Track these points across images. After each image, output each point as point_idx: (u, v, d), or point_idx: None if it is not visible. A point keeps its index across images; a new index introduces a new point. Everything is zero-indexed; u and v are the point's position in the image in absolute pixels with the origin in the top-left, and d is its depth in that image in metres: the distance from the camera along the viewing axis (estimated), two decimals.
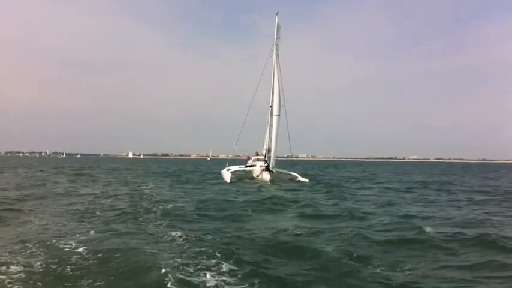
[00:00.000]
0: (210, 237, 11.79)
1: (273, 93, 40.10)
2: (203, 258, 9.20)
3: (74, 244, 10.49)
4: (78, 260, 9.18)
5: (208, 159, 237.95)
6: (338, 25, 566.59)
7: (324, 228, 13.62)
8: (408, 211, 18.06)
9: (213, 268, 8.54)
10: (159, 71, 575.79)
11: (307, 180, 39.23)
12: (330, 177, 51.10)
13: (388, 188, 32.86)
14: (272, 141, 39.53)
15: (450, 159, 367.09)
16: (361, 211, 17.54)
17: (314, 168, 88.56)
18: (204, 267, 8.61)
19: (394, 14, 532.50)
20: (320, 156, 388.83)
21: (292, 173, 41.35)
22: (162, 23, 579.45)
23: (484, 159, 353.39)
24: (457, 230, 13.24)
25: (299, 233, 12.72)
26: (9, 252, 9.74)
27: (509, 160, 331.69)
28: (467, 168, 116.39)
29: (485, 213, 18.06)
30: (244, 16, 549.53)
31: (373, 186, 35.98)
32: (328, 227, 14.09)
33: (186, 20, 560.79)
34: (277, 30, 41.13)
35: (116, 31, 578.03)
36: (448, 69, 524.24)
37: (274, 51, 40.71)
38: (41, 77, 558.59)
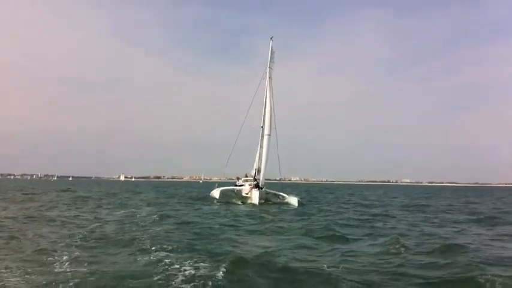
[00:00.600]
0: None
1: (264, 114, 40.87)
2: None
3: None
4: None
5: (201, 182, 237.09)
6: (335, 47, 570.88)
7: None
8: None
9: None
10: (152, 92, 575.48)
11: (296, 203, 36.91)
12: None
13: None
14: (262, 162, 39.90)
15: (442, 182, 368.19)
16: None
17: (307, 191, 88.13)
18: None
19: (391, 35, 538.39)
20: (313, 179, 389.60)
21: (280, 193, 40.97)
22: (157, 45, 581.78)
23: (477, 183, 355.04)
24: None
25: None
26: None
27: (501, 183, 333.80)
28: (455, 192, 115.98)
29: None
30: (241, 38, 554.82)
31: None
32: None
33: (181, 42, 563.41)
34: (271, 54, 42.27)
35: (110, 52, 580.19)
36: (443, 90, 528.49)
37: (268, 73, 41.77)
38: (33, 97, 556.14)
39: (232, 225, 20.63)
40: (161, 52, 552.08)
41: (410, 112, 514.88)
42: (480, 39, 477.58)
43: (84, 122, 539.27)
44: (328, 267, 11.08)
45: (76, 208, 29.89)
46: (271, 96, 41.01)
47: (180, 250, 12.96)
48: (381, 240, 16.30)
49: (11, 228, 17.54)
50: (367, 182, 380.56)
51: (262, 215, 27.09)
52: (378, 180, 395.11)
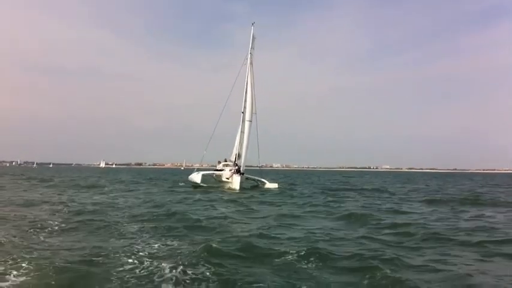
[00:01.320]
0: None
1: (245, 100, 41.05)
2: None
3: None
4: None
5: (182, 168, 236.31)
6: (316, 35, 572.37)
7: None
8: None
9: None
10: (133, 79, 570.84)
11: (276, 186, 39.68)
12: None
13: None
14: (243, 148, 40.18)
15: (422, 169, 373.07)
16: None
17: (287, 177, 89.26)
18: None
19: (372, 24, 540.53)
20: (294, 166, 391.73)
21: (260, 179, 41.82)
22: (138, 32, 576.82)
23: (456, 169, 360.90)
24: None
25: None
26: None
27: (479, 170, 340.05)
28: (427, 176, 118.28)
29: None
30: (221, 26, 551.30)
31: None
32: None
33: (162, 30, 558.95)
34: (252, 40, 42.39)
35: (90, 40, 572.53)
36: (425, 79, 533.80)
37: (249, 59, 41.85)
38: (12, 85, 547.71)
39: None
40: (141, 39, 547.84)
41: (391, 101, 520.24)
42: (460, 29, 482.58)
43: (65, 110, 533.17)
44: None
45: None
46: (252, 82, 41.20)
47: None
48: None
49: None
50: (347, 168, 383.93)
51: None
52: (358, 166, 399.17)
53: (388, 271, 8.44)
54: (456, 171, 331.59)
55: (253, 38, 42.37)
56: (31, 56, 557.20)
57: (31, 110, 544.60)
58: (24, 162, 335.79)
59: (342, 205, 23.43)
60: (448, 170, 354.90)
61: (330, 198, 28.21)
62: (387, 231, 14.27)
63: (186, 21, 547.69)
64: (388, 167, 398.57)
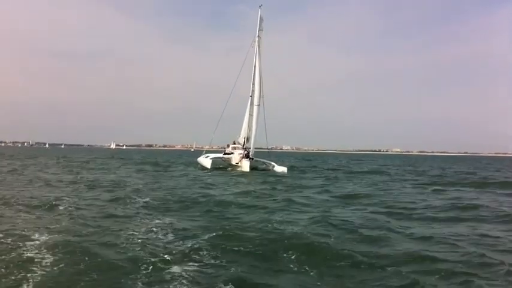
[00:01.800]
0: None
1: (253, 84, 41.02)
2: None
3: None
4: None
5: (192, 150, 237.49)
6: (326, 18, 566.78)
7: None
8: None
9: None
10: (144, 61, 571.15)
11: (285, 169, 38.93)
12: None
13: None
14: (252, 131, 40.37)
15: (433, 152, 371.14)
16: None
17: (297, 159, 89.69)
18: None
19: (382, 7, 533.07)
20: (305, 148, 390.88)
21: (268, 162, 41.88)
22: (148, 14, 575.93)
23: (466, 152, 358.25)
24: None
25: None
26: None
27: (490, 153, 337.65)
28: (437, 160, 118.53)
29: None
30: (231, 7, 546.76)
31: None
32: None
33: (172, 11, 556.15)
34: (260, 23, 42.07)
35: (100, 22, 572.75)
36: (436, 63, 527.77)
37: (256, 42, 41.60)
38: (23, 67, 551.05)
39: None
40: (150, 21, 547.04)
41: (403, 85, 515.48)
42: (470, 13, 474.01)
43: (76, 92, 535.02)
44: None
45: None
46: (260, 66, 41.04)
47: None
48: None
49: None
50: (357, 151, 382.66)
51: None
52: (368, 149, 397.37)
53: None
54: (467, 155, 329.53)
55: (261, 20, 42.08)
56: (42, 39, 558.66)
57: (42, 92, 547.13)
58: (36, 143, 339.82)
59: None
60: (459, 153, 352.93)
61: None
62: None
63: (197, 2, 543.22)
64: (398, 150, 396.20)
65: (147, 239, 10.01)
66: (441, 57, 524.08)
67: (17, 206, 14.29)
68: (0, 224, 11.35)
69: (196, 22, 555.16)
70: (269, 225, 11.97)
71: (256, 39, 41.66)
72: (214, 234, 10.50)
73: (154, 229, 11.08)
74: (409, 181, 31.41)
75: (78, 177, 27.51)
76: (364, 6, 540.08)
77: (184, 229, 11.21)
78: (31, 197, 16.59)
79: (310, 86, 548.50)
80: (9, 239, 9.54)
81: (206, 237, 10.18)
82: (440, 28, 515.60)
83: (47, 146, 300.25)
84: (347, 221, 12.95)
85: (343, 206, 16.79)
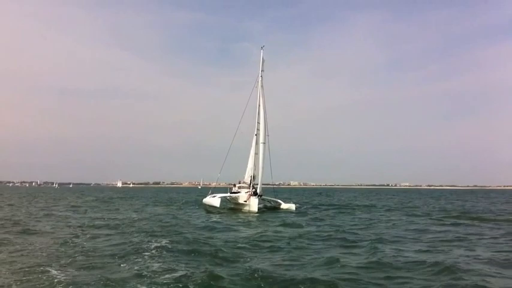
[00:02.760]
0: None
1: (258, 122, 41.60)
2: None
3: None
4: None
5: (199, 187, 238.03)
6: (329, 53, 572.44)
7: None
8: None
9: None
10: (150, 98, 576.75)
11: (293, 206, 39.70)
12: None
13: None
14: (259, 169, 40.50)
15: (441, 185, 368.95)
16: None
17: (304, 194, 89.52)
18: None
19: (385, 40, 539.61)
20: (312, 183, 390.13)
21: (276, 200, 42.26)
22: (154, 52, 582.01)
23: (476, 186, 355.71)
24: None
25: None
26: None
27: (500, 186, 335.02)
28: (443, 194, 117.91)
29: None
30: (236, 45, 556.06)
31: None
32: None
33: (178, 48, 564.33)
34: (262, 63, 43.09)
35: (108, 60, 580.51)
36: (441, 95, 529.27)
37: (259, 82, 42.47)
38: (29, 105, 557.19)
39: None
40: (155, 58, 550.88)
41: (407, 117, 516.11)
42: (477, 44, 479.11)
43: (83, 130, 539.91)
44: None
45: None
46: (264, 105, 41.75)
47: None
48: None
49: None
50: (366, 186, 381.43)
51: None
52: (377, 184, 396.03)
53: None
54: (475, 188, 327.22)
55: (263, 60, 43.07)
56: (44, 76, 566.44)
57: (47, 130, 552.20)
58: (44, 183, 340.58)
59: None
60: (467, 186, 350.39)
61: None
62: None
63: (201, 40, 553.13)
64: (407, 184, 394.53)
65: None
66: (447, 88, 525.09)
67: None
68: None
69: (200, 58, 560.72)
70: None
71: (259, 79, 42.53)
72: None
73: None
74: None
75: None
76: (367, 40, 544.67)
77: None
78: None
79: (315, 120, 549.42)
80: None
81: None
82: (446, 59, 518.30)
83: (55, 185, 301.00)
84: None
85: None
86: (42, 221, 26.79)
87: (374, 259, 13.56)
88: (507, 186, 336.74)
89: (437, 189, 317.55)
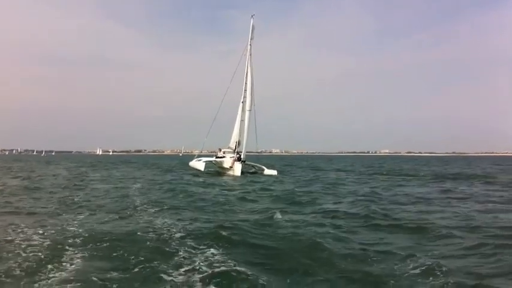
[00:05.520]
0: None
1: (245, 90, 42.60)
2: None
3: None
4: None
5: (181, 155, 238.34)
6: (320, 20, 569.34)
7: None
8: None
9: None
10: (134, 68, 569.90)
11: (275, 172, 41.22)
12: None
13: None
14: (244, 136, 41.75)
15: (420, 152, 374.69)
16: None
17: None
18: None
19: (376, 7, 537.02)
20: (294, 151, 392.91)
21: (259, 165, 43.57)
22: (139, 20, 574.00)
23: (454, 152, 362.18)
24: None
25: None
26: None
27: (477, 153, 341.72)
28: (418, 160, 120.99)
29: None
30: (223, 12, 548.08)
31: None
32: None
33: (163, 17, 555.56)
34: (252, 31, 43.55)
35: (93, 29, 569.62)
36: (426, 63, 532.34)
37: (248, 51, 43.14)
38: (14, 74, 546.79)
39: None
40: (140, 26, 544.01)
41: (392, 86, 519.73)
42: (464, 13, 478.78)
43: (66, 99, 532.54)
44: None
45: None
46: (252, 73, 42.57)
47: None
48: None
49: None
50: (346, 153, 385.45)
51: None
52: (357, 151, 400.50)
53: None
54: (453, 155, 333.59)
55: (253, 29, 43.50)
56: (35, 46, 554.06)
57: (30, 98, 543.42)
58: (25, 150, 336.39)
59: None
60: (446, 153, 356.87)
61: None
62: None
63: (187, 8, 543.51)
64: (387, 151, 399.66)
65: None
66: (435, 56, 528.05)
67: None
68: None
69: (185, 27, 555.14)
70: None
71: (248, 47, 43.11)
72: None
73: None
74: None
75: None
76: (358, 7, 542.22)
77: None
78: None
79: (300, 88, 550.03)
80: None
81: None
82: (435, 28, 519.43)
83: (35, 153, 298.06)
84: None
85: None
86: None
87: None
88: (486, 153, 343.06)
89: (415, 155, 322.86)
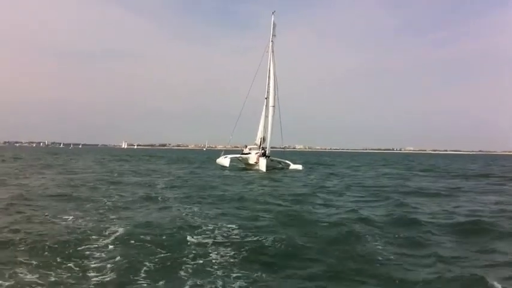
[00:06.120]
0: None
1: (268, 86, 42.90)
2: None
3: None
4: None
5: (204, 149, 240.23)
6: (338, 16, 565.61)
7: None
8: None
9: None
10: (158, 62, 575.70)
11: (300, 167, 42.15)
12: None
13: None
14: (268, 132, 42.18)
15: (446, 150, 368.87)
16: None
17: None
18: None
19: (393, 3, 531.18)
20: (317, 147, 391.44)
21: (285, 161, 44.06)
22: (161, 14, 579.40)
23: (481, 151, 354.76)
24: None
25: None
26: None
27: (505, 151, 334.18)
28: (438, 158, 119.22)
29: None
30: (242, 6, 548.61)
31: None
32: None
33: (185, 11, 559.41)
34: (273, 28, 43.88)
35: (114, 23, 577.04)
36: (448, 60, 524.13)
37: (270, 47, 43.39)
38: (39, 68, 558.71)
39: None
40: (163, 22, 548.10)
41: (415, 82, 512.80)
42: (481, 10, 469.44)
43: (92, 93, 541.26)
44: None
45: None
46: (274, 70, 42.83)
47: None
48: None
49: None
50: (371, 150, 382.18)
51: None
52: (382, 148, 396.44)
53: None
54: (479, 153, 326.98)
55: (274, 25, 43.76)
56: (57, 40, 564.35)
57: (56, 92, 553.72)
58: (52, 143, 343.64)
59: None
60: (472, 151, 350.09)
61: None
62: None
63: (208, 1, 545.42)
64: (411, 148, 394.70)
65: None
66: (455, 53, 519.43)
67: None
68: None
69: (207, 22, 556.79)
70: None
71: (270, 44, 43.38)
72: None
73: None
74: None
75: None
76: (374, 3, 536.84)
77: None
78: None
79: (322, 84, 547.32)
80: None
81: None
82: (454, 25, 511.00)
83: (62, 145, 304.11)
84: None
85: None
86: None
87: None
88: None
89: (440, 153, 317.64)
